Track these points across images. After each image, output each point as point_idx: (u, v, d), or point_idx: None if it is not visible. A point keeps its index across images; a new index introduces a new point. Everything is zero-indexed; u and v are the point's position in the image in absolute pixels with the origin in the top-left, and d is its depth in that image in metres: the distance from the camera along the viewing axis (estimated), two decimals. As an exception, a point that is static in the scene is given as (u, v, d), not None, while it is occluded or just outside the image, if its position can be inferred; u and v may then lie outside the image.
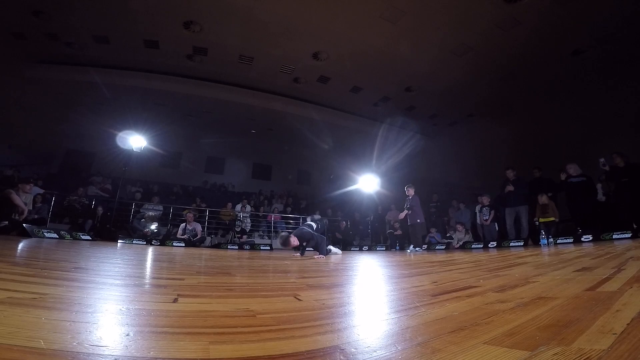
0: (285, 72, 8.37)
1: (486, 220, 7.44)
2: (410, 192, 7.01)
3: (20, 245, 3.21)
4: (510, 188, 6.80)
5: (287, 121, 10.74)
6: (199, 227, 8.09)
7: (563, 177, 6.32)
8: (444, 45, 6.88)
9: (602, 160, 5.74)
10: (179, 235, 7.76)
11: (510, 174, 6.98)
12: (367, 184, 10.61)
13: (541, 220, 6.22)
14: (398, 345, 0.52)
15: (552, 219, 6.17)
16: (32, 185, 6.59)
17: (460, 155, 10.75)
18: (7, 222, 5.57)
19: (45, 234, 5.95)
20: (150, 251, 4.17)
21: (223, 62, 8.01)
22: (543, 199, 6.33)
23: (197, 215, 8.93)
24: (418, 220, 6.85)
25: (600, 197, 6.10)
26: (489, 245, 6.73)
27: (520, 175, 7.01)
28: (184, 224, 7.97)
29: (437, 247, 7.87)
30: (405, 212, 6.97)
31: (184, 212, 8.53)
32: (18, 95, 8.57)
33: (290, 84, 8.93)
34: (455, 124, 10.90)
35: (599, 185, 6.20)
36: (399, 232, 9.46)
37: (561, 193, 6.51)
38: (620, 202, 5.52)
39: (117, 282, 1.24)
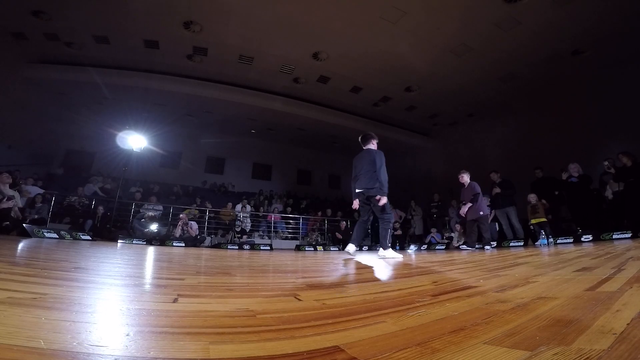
0: (285, 72, 8.38)
1: (486, 220, 7.44)
2: (465, 178, 5.79)
3: (20, 245, 3.21)
4: (497, 190, 6.82)
5: (287, 121, 10.75)
6: (194, 226, 8.13)
7: (564, 176, 6.33)
8: (444, 45, 6.89)
9: (606, 163, 5.73)
10: (178, 235, 7.77)
11: (494, 176, 6.99)
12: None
13: (533, 221, 6.23)
14: (398, 345, 0.52)
15: (543, 219, 6.16)
16: (7, 174, 6.06)
17: (460, 155, 10.76)
18: (7, 222, 5.57)
19: (45, 234, 5.94)
20: (150, 251, 4.17)
21: (223, 62, 8.02)
22: (531, 197, 6.36)
23: (197, 215, 8.93)
24: (481, 213, 5.65)
25: (609, 194, 6.02)
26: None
27: (506, 177, 7.01)
28: (180, 225, 8.02)
29: (437, 247, 7.89)
30: (467, 205, 5.67)
31: (185, 212, 8.55)
32: (18, 95, 8.57)
33: (290, 84, 8.94)
34: (455, 124, 10.92)
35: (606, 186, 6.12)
36: (398, 232, 9.46)
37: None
38: (627, 202, 5.39)
39: (117, 282, 1.24)
